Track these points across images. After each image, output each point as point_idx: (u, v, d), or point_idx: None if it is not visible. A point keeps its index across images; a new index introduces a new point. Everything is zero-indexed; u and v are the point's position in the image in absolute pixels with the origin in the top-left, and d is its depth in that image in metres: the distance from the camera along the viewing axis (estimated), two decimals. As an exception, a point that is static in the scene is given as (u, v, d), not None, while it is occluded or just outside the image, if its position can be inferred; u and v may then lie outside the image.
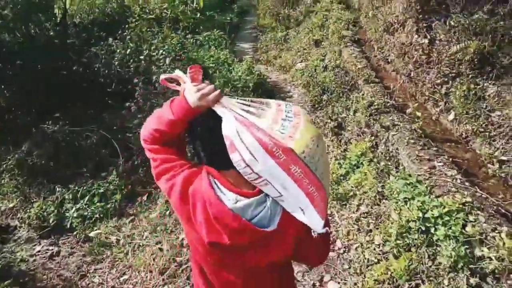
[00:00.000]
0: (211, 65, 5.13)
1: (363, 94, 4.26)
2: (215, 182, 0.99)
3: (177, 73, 1.10)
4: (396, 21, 4.82)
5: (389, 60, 4.99)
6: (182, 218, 1.05)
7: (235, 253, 1.04)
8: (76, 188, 3.67)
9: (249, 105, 0.99)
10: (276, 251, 1.07)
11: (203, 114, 1.00)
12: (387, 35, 5.14)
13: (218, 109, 0.98)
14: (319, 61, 5.74)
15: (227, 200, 0.96)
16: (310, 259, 1.27)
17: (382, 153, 3.41)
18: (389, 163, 3.21)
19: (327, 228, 1.02)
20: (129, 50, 4.65)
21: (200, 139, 1.06)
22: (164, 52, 4.78)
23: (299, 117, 0.97)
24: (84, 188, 3.66)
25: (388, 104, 3.95)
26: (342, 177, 3.34)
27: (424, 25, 4.27)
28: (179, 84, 1.08)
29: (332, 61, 5.37)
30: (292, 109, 1.00)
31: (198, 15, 7.81)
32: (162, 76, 1.09)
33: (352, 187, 3.17)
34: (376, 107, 3.85)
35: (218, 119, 0.96)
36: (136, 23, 5.37)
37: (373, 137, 3.62)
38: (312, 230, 1.06)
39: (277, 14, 9.65)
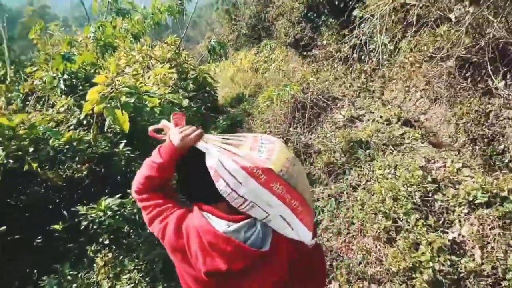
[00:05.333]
0: None
1: None
2: (205, 213, 1.05)
3: (163, 122, 1.26)
4: None
5: None
6: (177, 256, 1.07)
7: (233, 281, 1.01)
8: None
9: (228, 139, 1.11)
10: (272, 274, 1.05)
11: (189, 155, 1.11)
12: None
13: (200, 145, 1.10)
14: None
15: (220, 227, 1.00)
16: (308, 284, 1.19)
17: None
18: None
19: (315, 239, 1.07)
20: None
21: (188, 177, 1.13)
22: None
23: (273, 143, 1.10)
24: None
25: None
26: None
27: None
28: (165, 133, 1.20)
29: None
30: (266, 137, 1.13)
31: (122, 146, 3.68)
32: (150, 128, 1.25)
33: None
34: None
35: (202, 157, 1.05)
36: None
37: None
38: (304, 246, 1.05)
39: (285, 140, 5.66)
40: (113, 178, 3.22)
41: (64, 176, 2.78)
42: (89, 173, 2.96)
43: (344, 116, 5.53)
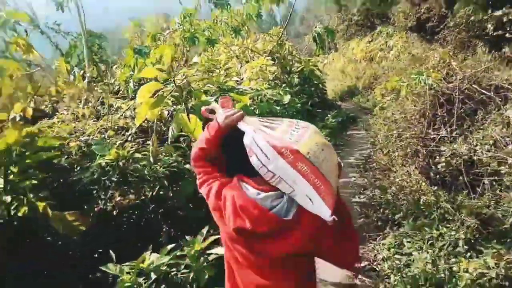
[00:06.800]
0: None
1: None
2: (243, 183, 1.21)
3: (213, 104, 1.47)
4: None
5: None
6: (215, 214, 1.25)
7: (257, 241, 1.16)
8: None
9: (265, 121, 1.22)
10: (295, 241, 1.15)
11: (233, 134, 1.25)
12: None
13: (241, 125, 1.25)
14: None
15: (251, 194, 1.16)
16: (337, 257, 1.28)
17: None
18: None
19: (334, 216, 1.09)
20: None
21: (231, 152, 1.30)
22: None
23: (306, 128, 1.17)
24: None
25: None
26: None
27: None
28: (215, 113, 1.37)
29: None
30: (301, 123, 1.20)
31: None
32: (203, 108, 1.43)
33: None
34: None
35: (243, 136, 1.19)
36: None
37: None
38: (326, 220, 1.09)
39: (424, 145, 3.97)
40: (172, 215, 2.27)
41: (107, 210, 1.97)
42: (140, 206, 2.08)
43: (522, 112, 3.60)
